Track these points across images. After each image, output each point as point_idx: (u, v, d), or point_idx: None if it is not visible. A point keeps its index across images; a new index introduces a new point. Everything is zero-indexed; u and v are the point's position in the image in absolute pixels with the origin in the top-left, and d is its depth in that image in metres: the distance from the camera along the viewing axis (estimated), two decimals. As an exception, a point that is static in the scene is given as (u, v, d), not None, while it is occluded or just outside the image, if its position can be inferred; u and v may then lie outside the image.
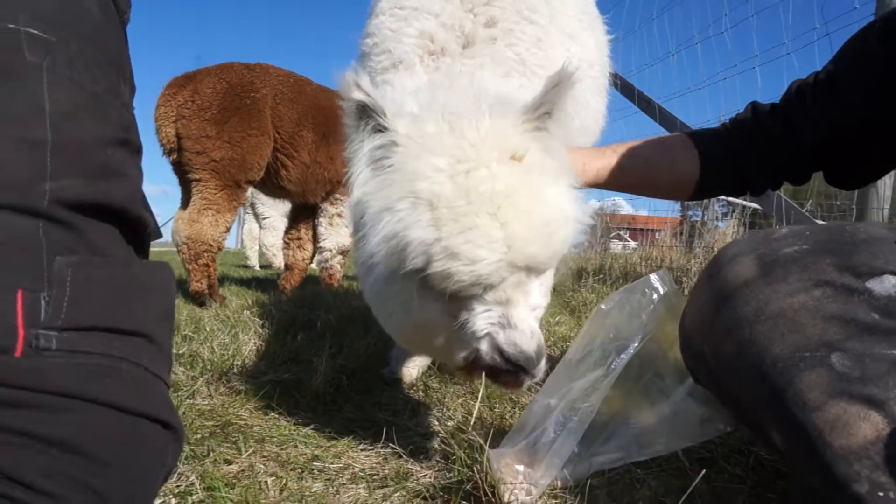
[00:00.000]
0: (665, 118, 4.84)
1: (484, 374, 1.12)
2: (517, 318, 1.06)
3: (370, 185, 1.10)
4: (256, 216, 9.34)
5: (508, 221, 1.00)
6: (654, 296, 1.12)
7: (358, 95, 1.07)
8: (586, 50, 1.80)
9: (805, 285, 0.86)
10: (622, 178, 1.54)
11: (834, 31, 3.13)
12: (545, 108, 1.10)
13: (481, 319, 1.07)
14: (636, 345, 1.08)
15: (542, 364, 1.08)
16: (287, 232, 4.89)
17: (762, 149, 1.44)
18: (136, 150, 0.74)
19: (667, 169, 1.55)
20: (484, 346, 1.09)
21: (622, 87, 4.88)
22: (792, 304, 0.86)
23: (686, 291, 3.86)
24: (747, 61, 3.91)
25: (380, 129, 1.10)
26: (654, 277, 1.13)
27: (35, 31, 0.63)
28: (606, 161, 1.51)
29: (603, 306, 1.16)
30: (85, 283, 0.60)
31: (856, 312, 0.83)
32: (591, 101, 1.86)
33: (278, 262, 9.49)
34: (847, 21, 3.11)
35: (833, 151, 1.37)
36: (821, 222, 4.36)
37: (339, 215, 4.48)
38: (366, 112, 1.09)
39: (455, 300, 1.07)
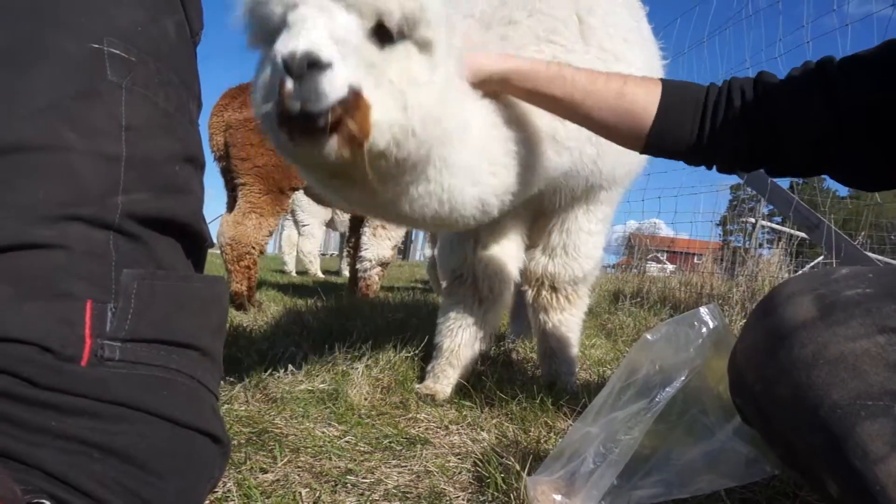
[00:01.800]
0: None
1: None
2: (294, 17, 0.94)
3: None
4: (296, 223, 9.51)
5: None
6: (704, 329, 1.09)
7: None
8: (632, 68, 1.79)
9: (868, 330, 0.83)
10: (551, 86, 1.30)
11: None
12: None
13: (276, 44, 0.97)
14: (682, 379, 1.06)
15: (321, 80, 0.91)
16: (348, 241, 5.21)
17: (753, 100, 1.23)
18: (200, 166, 0.76)
19: (615, 92, 1.30)
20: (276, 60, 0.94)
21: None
22: (854, 350, 0.82)
23: (727, 319, 3.77)
24: (800, 87, 3.81)
25: None
26: (703, 311, 1.10)
27: (117, 52, 0.66)
28: (524, 63, 1.30)
29: (649, 336, 1.13)
30: (149, 296, 0.61)
31: (923, 362, 0.79)
32: None
33: (314, 268, 9.63)
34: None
35: (846, 137, 1.17)
36: (873, 255, 4.20)
37: (383, 227, 4.55)
38: None
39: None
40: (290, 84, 0.90)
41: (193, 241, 0.72)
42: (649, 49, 1.97)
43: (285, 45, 0.90)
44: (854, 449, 0.78)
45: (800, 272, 4.63)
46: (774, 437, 0.98)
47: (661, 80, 1.35)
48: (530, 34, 1.49)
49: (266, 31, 1.00)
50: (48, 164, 0.59)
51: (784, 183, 5.19)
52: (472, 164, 1.34)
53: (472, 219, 1.44)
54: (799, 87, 1.21)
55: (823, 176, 1.34)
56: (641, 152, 1.40)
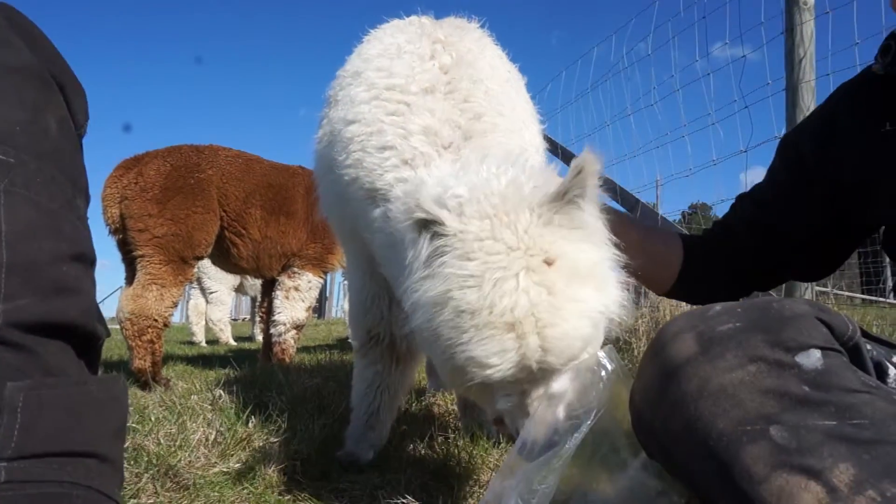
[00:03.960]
0: (605, 184, 5.06)
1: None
2: (531, 407, 1.15)
3: (416, 273, 1.17)
4: (203, 290, 9.12)
5: (526, 334, 1.07)
6: (603, 373, 1.16)
7: (420, 215, 1.13)
8: (534, 136, 1.91)
9: (741, 361, 0.92)
10: (626, 236, 1.50)
11: (752, 103, 3.43)
12: (572, 191, 1.14)
13: (502, 401, 1.18)
14: (589, 422, 1.11)
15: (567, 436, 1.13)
16: (260, 305, 5.06)
17: (717, 249, 1.62)
18: (91, 262, 0.74)
19: (662, 239, 1.65)
20: (507, 420, 1.22)
21: (563, 155, 5.12)
22: (732, 380, 0.91)
23: (635, 352, 3.96)
24: (677, 130, 4.19)
25: (438, 235, 1.14)
26: (601, 354, 1.17)
27: None
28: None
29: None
30: (37, 408, 0.59)
31: (788, 386, 0.88)
32: None
33: (226, 336, 9.22)
34: (762, 94, 3.41)
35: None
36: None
37: (296, 289, 4.46)
38: (426, 225, 1.14)
39: None
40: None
41: (86, 341, 0.70)
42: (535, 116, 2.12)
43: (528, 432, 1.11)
44: (740, 473, 0.85)
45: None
46: (676, 468, 1.04)
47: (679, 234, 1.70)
48: (491, 109, 1.55)
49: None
50: None
51: (676, 216, 5.58)
52: None
53: None
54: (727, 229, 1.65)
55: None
56: (661, 290, 1.74)
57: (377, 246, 1.62)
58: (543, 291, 1.09)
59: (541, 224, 1.14)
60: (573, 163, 1.16)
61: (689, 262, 1.64)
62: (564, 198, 1.14)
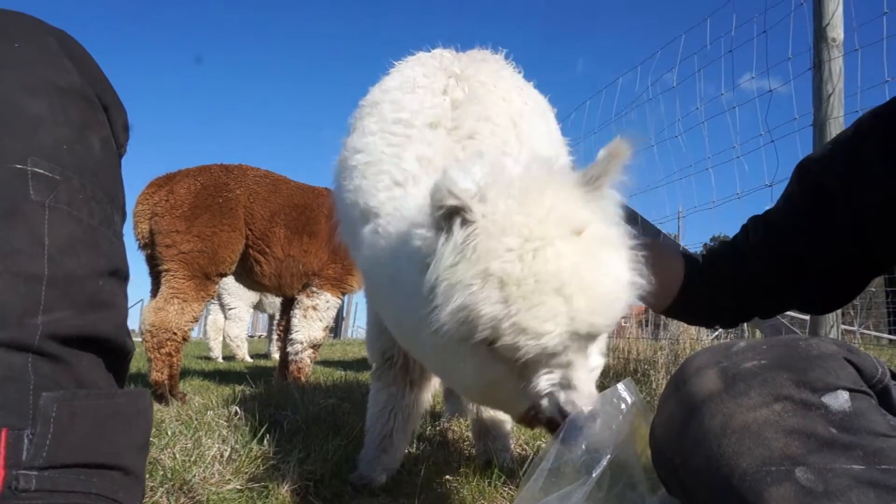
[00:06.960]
0: (627, 214, 5.04)
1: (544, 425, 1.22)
2: (577, 379, 1.17)
3: (446, 261, 1.15)
4: (222, 306, 9.20)
5: (573, 296, 1.09)
6: (623, 406, 1.14)
7: (452, 202, 1.12)
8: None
9: (766, 399, 0.90)
10: None
11: (778, 138, 3.40)
12: (599, 176, 1.18)
13: (544, 381, 1.17)
14: (609, 457, 1.09)
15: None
16: (279, 323, 5.07)
17: (724, 270, 1.56)
18: (125, 278, 0.76)
19: (663, 255, 1.60)
20: (545, 403, 1.19)
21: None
22: (756, 418, 0.89)
23: (653, 384, 3.90)
24: (701, 162, 4.16)
25: (467, 221, 1.14)
26: (621, 387, 1.16)
27: (41, 171, 0.67)
28: None
29: (570, 418, 1.17)
30: (69, 419, 0.60)
31: (814, 427, 0.87)
32: None
33: (242, 353, 9.27)
34: (789, 129, 3.38)
35: (786, 279, 1.50)
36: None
37: (314, 308, 4.49)
38: (456, 212, 1.14)
39: (521, 363, 1.15)
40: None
41: (116, 355, 0.71)
42: (563, 147, 2.12)
43: (569, 402, 1.15)
44: (764, 515, 0.83)
45: (710, 342, 4.91)
46: (696, 506, 1.02)
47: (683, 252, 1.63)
48: (495, 149, 1.55)
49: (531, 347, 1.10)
50: None
51: (698, 248, 5.52)
52: None
53: None
54: (735, 250, 1.57)
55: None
56: (660, 311, 1.65)
57: (362, 263, 1.64)
58: (581, 256, 1.12)
59: (564, 201, 1.16)
60: (604, 149, 1.18)
61: (691, 280, 1.58)
62: (591, 183, 1.18)
